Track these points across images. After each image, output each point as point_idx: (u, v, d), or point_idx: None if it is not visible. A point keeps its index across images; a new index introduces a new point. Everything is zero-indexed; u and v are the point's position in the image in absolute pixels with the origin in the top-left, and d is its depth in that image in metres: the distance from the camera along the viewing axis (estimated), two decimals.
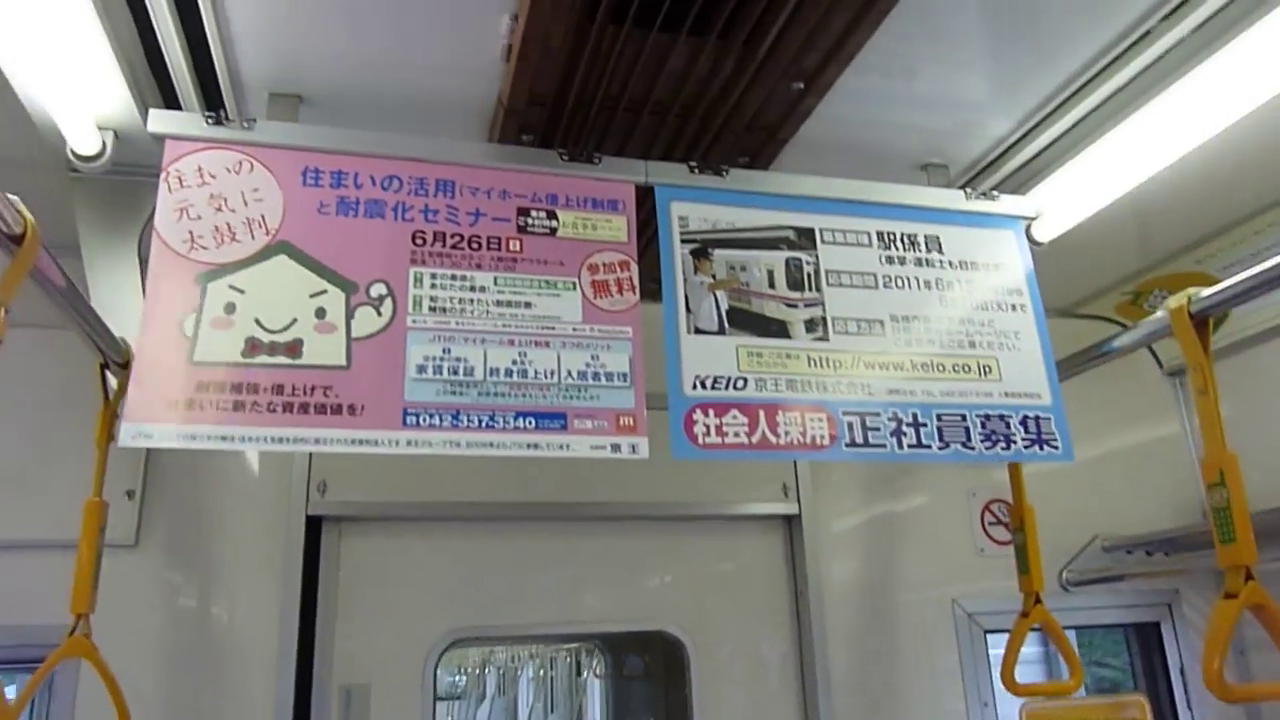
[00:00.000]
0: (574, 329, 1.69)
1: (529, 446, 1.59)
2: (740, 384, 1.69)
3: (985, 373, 1.86)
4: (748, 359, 1.72)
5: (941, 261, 1.93)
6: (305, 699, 2.32)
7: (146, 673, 2.23)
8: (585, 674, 7.94)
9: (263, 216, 1.62)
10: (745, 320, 1.76)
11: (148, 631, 2.26)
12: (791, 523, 2.79)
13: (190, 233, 1.58)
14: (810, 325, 1.79)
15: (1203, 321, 1.78)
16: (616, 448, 1.62)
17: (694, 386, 1.66)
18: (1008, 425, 1.80)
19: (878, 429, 1.71)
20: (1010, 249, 2.01)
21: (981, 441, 1.77)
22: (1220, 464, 1.70)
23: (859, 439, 1.69)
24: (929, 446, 1.74)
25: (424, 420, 1.56)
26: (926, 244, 1.94)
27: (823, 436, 1.68)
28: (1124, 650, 3.19)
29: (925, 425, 1.75)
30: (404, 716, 2.40)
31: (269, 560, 2.34)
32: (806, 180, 1.94)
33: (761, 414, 1.67)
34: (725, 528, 2.77)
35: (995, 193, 2.10)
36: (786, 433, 1.66)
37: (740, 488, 2.76)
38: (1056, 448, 1.83)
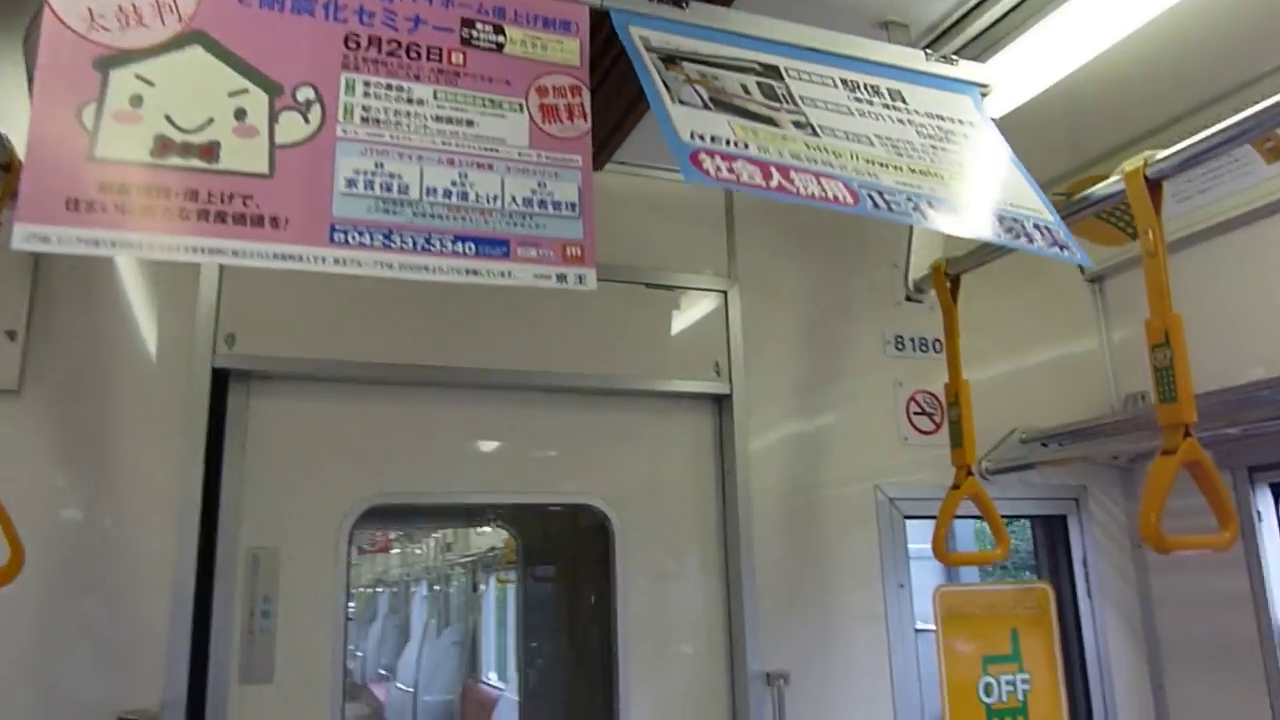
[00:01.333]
0: (520, 154, 1.57)
1: (468, 273, 1.48)
2: (743, 145, 1.55)
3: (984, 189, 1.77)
4: (743, 131, 1.58)
5: (908, 109, 1.85)
6: (209, 561, 2.19)
7: (32, 525, 2.06)
8: (482, 589, 7.88)
9: (175, 1, 1.45)
10: (730, 108, 1.63)
11: (32, 483, 2.07)
12: (721, 403, 2.74)
13: (89, 10, 1.39)
14: (798, 125, 1.68)
15: (1156, 185, 1.80)
16: (563, 278, 1.52)
17: (691, 137, 1.51)
18: (1022, 226, 1.72)
19: (897, 202, 1.61)
20: (971, 112, 1.96)
21: (1005, 231, 1.67)
22: (1166, 324, 1.72)
23: (881, 205, 1.58)
24: (952, 220, 1.65)
25: (353, 238, 1.43)
26: (890, 95, 1.86)
27: (845, 196, 1.56)
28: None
29: (942, 207, 1.65)
30: (316, 582, 2.29)
31: (170, 414, 2.17)
32: (765, 21, 1.83)
33: (774, 169, 1.54)
34: (655, 404, 2.71)
35: (955, 57, 2.04)
36: (805, 186, 1.54)
37: (671, 364, 2.69)
38: (1074, 252, 1.74)
